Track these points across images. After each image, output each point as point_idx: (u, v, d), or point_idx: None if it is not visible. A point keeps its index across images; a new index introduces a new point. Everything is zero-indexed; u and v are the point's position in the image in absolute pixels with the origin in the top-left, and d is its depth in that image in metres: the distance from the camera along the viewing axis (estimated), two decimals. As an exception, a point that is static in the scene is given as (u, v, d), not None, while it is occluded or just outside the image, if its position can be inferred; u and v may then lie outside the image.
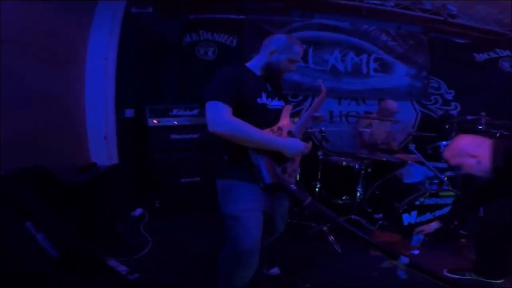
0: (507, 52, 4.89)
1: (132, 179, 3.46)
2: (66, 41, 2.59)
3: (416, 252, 2.31)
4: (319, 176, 3.16)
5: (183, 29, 4.43)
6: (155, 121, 3.39)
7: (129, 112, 3.48)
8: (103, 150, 2.88)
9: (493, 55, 4.91)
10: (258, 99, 1.58)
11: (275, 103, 1.67)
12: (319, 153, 3.17)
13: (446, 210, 2.73)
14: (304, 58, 4.53)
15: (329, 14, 4.64)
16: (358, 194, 3.09)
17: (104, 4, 2.93)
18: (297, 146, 1.52)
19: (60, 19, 2.46)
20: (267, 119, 1.59)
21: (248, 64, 1.72)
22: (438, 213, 2.75)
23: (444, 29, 4.76)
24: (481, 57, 4.92)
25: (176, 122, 3.47)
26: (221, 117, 1.42)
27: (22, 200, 1.70)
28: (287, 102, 1.79)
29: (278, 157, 1.51)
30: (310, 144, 1.62)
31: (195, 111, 3.52)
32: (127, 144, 3.35)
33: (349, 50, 4.70)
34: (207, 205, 2.39)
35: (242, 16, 4.46)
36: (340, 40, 4.67)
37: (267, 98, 1.62)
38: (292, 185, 1.46)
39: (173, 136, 3.46)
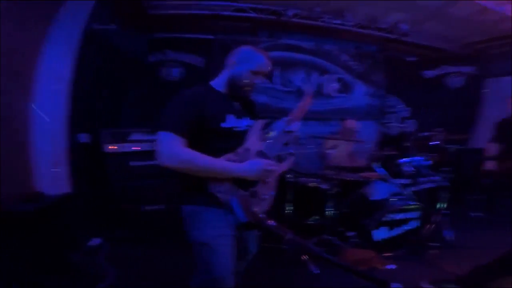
0: (452, 68, 5.33)
1: (89, 208, 3.21)
2: (15, 56, 2.41)
3: (393, 266, 2.34)
4: (288, 198, 3.19)
5: (147, 47, 4.37)
6: (112, 147, 3.19)
7: (84, 137, 3.26)
8: (52, 178, 2.64)
9: (441, 71, 5.34)
10: (222, 124, 1.47)
11: (243, 123, 1.56)
12: (288, 175, 3.20)
13: (414, 224, 2.84)
14: (271, 79, 4.64)
15: (295, 34, 4.86)
16: (328, 214, 3.12)
17: (63, 17, 2.78)
18: (256, 168, 1.44)
19: (11, 30, 2.28)
20: (234, 143, 1.50)
21: (212, 83, 1.62)
22: (406, 227, 2.84)
23: (397, 47, 5.16)
24: (429, 74, 5.34)
25: (136, 148, 3.29)
26: (169, 151, 1.36)
27: None
28: (257, 118, 1.66)
29: (243, 182, 1.44)
30: (289, 161, 1.57)
31: (156, 136, 3.38)
32: (82, 171, 3.13)
33: (313, 71, 4.91)
34: (173, 233, 2.28)
35: (210, 36, 4.52)
36: (305, 61, 4.88)
37: (236, 119, 1.52)
38: (270, 221, 1.38)
39: (133, 163, 3.26)
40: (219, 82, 1.60)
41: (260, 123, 1.62)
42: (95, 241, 2.89)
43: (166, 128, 1.38)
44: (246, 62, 1.55)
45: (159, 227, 3.23)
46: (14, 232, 1.98)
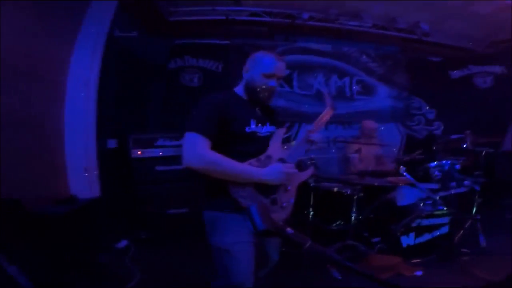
0: (479, 68, 5.16)
1: (116, 211, 3.33)
2: (46, 64, 2.53)
3: (420, 273, 2.28)
4: (311, 203, 3.18)
5: (168, 53, 4.47)
6: (139, 153, 3.31)
7: (112, 143, 3.39)
8: (83, 182, 2.76)
9: (466, 71, 5.17)
10: (247, 128, 1.52)
11: (265, 129, 1.60)
12: (310, 180, 3.19)
13: (443, 229, 2.76)
14: (289, 82, 4.64)
15: (311, 37, 4.83)
16: (352, 219, 3.07)
17: (88, 26, 2.90)
18: (275, 171, 1.46)
19: (41, 40, 2.41)
20: (256, 148, 1.53)
21: (236, 89, 1.67)
22: (436, 233, 2.77)
23: (419, 48, 5.01)
24: (455, 74, 5.17)
25: (161, 153, 3.40)
26: (194, 151, 1.39)
27: None
28: (279, 126, 1.72)
29: (265, 188, 1.46)
30: (309, 171, 1.59)
31: (181, 141, 3.45)
32: (110, 176, 3.24)
33: (332, 74, 4.85)
34: (196, 235, 2.35)
35: (227, 42, 4.57)
36: (323, 64, 4.82)
37: (257, 125, 1.56)
38: (289, 229, 1.38)
39: (159, 168, 3.37)
40: (240, 89, 1.66)
41: (281, 131, 1.67)
42: (122, 243, 2.99)
43: (192, 129, 1.41)
44: (258, 66, 1.58)
45: (183, 229, 3.30)
46: (46, 234, 2.05)
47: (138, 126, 4.09)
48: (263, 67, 1.57)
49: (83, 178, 2.77)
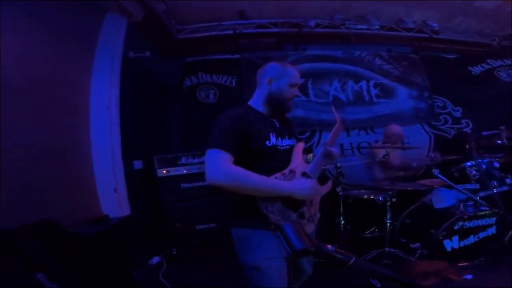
0: (500, 62, 5.12)
1: (147, 228, 3.44)
2: (68, 89, 2.63)
3: (469, 276, 2.22)
4: (341, 212, 3.19)
5: (181, 71, 4.62)
6: (164, 171, 3.46)
7: (138, 164, 3.51)
8: (114, 202, 2.84)
9: (487, 66, 5.13)
10: (267, 142, 1.53)
11: (285, 142, 1.62)
12: (338, 189, 3.20)
13: (490, 230, 2.69)
14: (305, 91, 4.68)
15: (320, 44, 4.92)
16: (386, 226, 3.04)
17: (102, 48, 3.01)
18: (306, 187, 1.47)
19: (60, 66, 2.51)
20: (278, 162, 1.54)
21: (250, 103, 1.68)
22: (482, 234, 2.70)
23: (431, 46, 5.03)
24: (476, 70, 5.13)
25: (185, 171, 3.53)
26: (217, 167, 1.38)
27: (32, 252, 1.70)
28: (297, 139, 1.75)
29: (293, 202, 1.47)
30: (329, 184, 1.60)
31: (203, 158, 3.53)
32: (138, 195, 3.34)
33: (347, 79, 4.86)
34: (225, 250, 2.40)
35: (238, 56, 4.69)
36: (337, 69, 4.85)
37: (277, 138, 1.58)
38: (329, 246, 1.35)
39: (184, 185, 3.51)
40: (256, 102, 1.67)
41: (301, 145, 1.69)
42: (155, 260, 3.06)
43: (214, 145, 1.41)
44: (284, 77, 1.62)
45: (212, 243, 3.40)
46: (83, 252, 2.12)
47: (160, 145, 4.21)
48: (290, 77, 1.63)
49: (113, 199, 2.84)
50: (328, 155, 1.64)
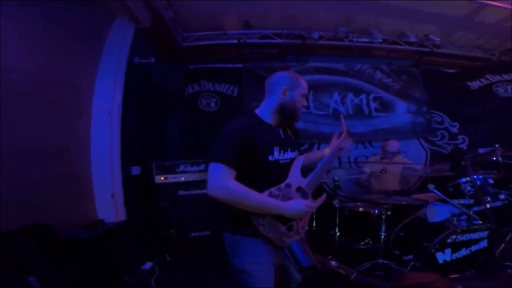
0: (498, 77, 5.13)
1: (141, 234, 3.47)
2: (71, 91, 2.66)
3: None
4: (337, 223, 3.24)
5: (184, 79, 4.69)
6: (162, 178, 3.48)
7: (136, 170, 3.56)
8: (110, 207, 2.87)
9: (485, 81, 5.14)
10: (270, 156, 1.57)
11: (287, 155, 1.65)
12: (335, 201, 3.26)
13: (482, 244, 2.73)
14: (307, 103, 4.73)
15: (322, 56, 4.98)
16: (380, 238, 3.10)
17: (108, 53, 3.06)
18: (298, 208, 1.51)
19: (65, 68, 2.54)
20: (277, 176, 1.59)
21: (258, 112, 1.70)
22: (474, 248, 2.74)
23: (432, 60, 5.09)
24: (474, 85, 5.14)
25: (183, 178, 3.56)
26: (219, 182, 1.43)
27: (24, 256, 1.75)
28: (299, 151, 1.78)
29: (284, 217, 1.53)
30: (322, 198, 1.65)
31: (202, 166, 3.61)
32: (134, 201, 3.38)
33: (348, 91, 4.90)
34: (219, 257, 2.44)
35: (240, 65, 4.77)
36: (338, 82, 4.89)
37: (280, 151, 1.61)
38: (333, 262, 1.40)
39: (181, 193, 3.54)
40: (264, 112, 1.69)
41: (301, 159, 1.72)
42: (147, 265, 3.12)
43: (218, 159, 1.45)
44: (297, 87, 1.68)
45: (206, 251, 3.42)
46: (76, 257, 2.17)
47: (158, 152, 4.25)
48: (302, 88, 1.70)
49: (110, 204, 2.87)
50: (341, 147, 1.77)
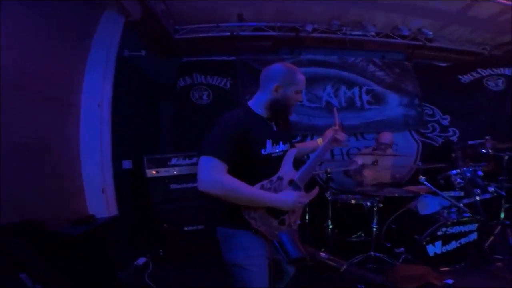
0: (489, 71, 5.20)
1: (134, 229, 3.44)
2: (59, 85, 2.60)
3: (450, 281, 2.29)
4: (329, 216, 3.26)
5: (176, 72, 4.63)
6: (153, 172, 3.45)
7: (127, 164, 3.50)
8: (101, 202, 2.84)
9: (476, 75, 5.20)
10: (262, 150, 1.54)
11: (279, 148, 1.63)
12: (327, 194, 3.27)
13: (472, 236, 2.78)
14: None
15: (316, 49, 4.97)
16: (372, 230, 3.12)
17: (97, 46, 3.00)
18: (290, 200, 1.49)
19: (53, 63, 2.49)
20: (269, 169, 1.57)
21: (250, 104, 1.66)
22: (463, 240, 2.79)
23: (424, 53, 5.11)
24: (465, 78, 5.20)
25: (175, 172, 3.52)
26: (211, 178, 1.38)
27: (15, 252, 1.72)
28: (291, 143, 1.77)
29: (275, 210, 1.52)
30: (315, 191, 1.64)
31: (194, 160, 3.57)
32: (126, 196, 3.34)
33: (340, 84, 4.92)
34: (213, 251, 2.44)
35: (233, 58, 4.72)
36: (331, 75, 4.90)
37: (272, 144, 1.59)
38: (323, 253, 1.39)
39: (173, 186, 3.51)
40: (257, 104, 1.65)
41: (293, 151, 1.69)
42: (141, 260, 3.09)
43: (209, 153, 1.40)
44: (292, 85, 1.61)
45: (200, 245, 3.41)
46: (67, 252, 2.13)
47: (150, 145, 4.20)
48: (297, 85, 1.62)
49: (100, 199, 2.84)
50: (335, 140, 1.76)
